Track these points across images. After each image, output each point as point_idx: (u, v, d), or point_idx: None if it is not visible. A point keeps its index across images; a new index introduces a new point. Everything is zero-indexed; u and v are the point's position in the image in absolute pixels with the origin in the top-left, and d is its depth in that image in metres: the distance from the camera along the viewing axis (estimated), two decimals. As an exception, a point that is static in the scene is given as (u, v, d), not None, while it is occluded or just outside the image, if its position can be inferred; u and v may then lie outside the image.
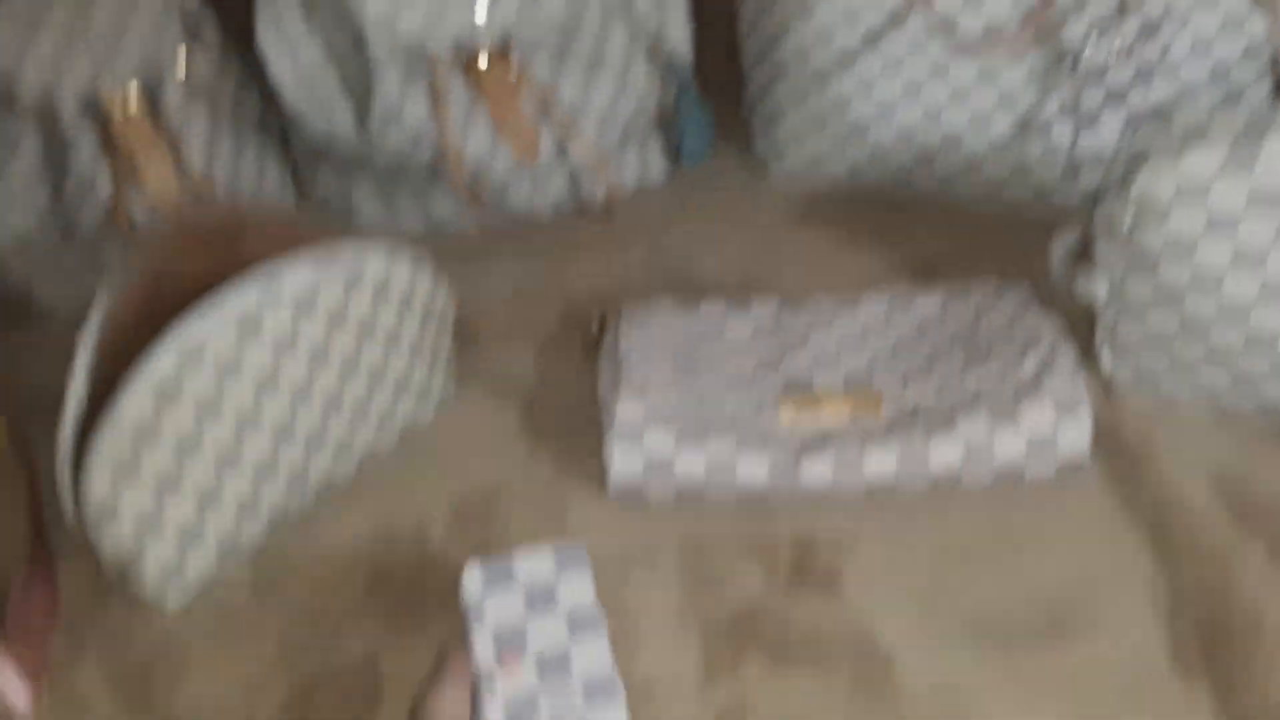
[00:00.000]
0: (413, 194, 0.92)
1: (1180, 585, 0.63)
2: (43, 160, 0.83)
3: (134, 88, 0.82)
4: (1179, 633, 0.61)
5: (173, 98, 0.84)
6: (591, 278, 0.89)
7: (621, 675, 0.54)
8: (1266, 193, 0.63)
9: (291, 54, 0.88)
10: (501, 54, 0.86)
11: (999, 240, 0.88)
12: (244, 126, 0.91)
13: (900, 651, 0.61)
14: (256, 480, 0.67)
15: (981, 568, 0.65)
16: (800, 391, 0.73)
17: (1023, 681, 0.59)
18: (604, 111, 0.90)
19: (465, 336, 0.82)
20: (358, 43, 0.86)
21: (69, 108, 0.82)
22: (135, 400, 0.60)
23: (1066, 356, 0.70)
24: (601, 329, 0.80)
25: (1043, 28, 0.85)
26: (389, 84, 0.85)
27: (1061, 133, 0.86)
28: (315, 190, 0.95)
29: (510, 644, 0.55)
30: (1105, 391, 0.75)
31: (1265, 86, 0.85)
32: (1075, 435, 0.67)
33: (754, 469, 0.68)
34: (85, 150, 0.83)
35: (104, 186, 0.83)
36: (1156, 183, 0.65)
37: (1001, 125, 0.88)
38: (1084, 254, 0.74)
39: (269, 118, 0.94)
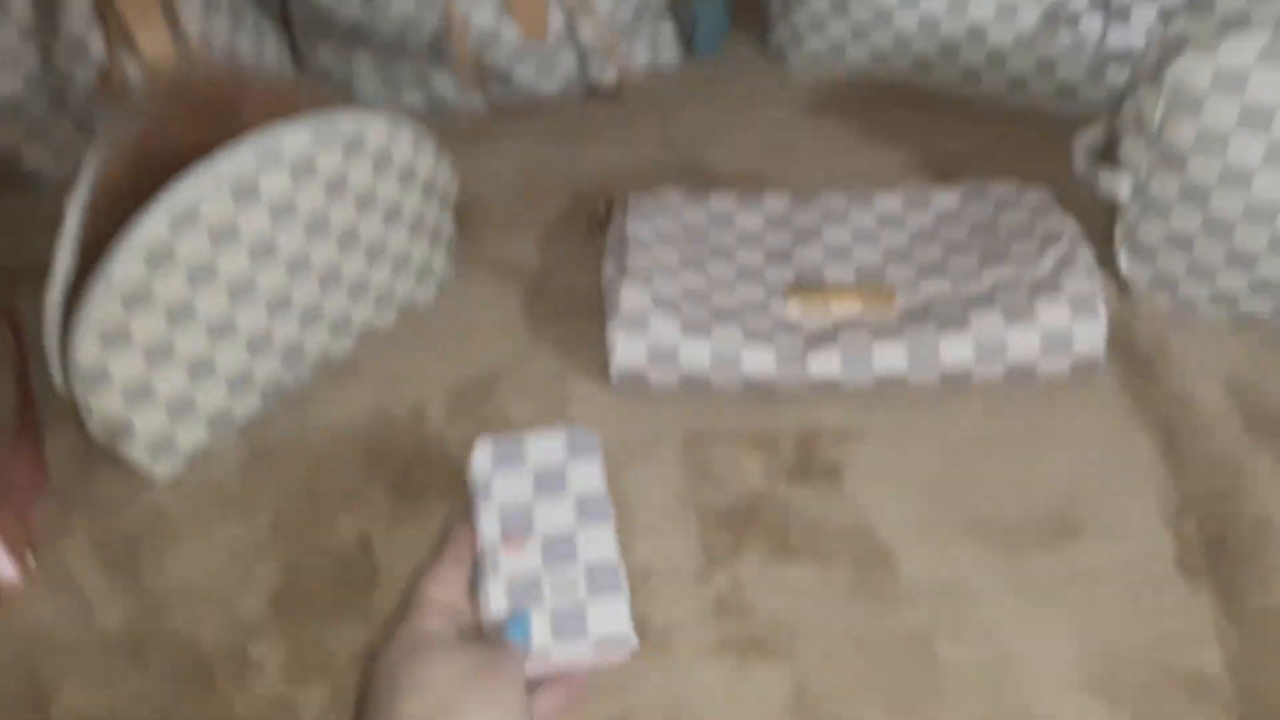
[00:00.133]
0: (414, 71, 0.89)
1: (1188, 489, 0.62)
2: (32, 20, 0.80)
3: (128, -55, 0.79)
4: (1185, 537, 0.60)
5: (169, -43, 0.81)
6: (598, 163, 0.87)
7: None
8: (1307, 85, 0.60)
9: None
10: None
11: (1020, 143, 0.86)
12: (243, -8, 0.88)
13: (902, 547, 0.61)
14: (251, 352, 0.65)
15: (989, 466, 0.64)
16: (811, 283, 0.71)
17: (1025, 581, 0.58)
18: (616, -11, 0.87)
19: (468, 219, 0.80)
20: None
21: (60, -35, 0.79)
22: (126, 264, 0.58)
23: (1085, 256, 0.69)
24: (608, 213, 0.78)
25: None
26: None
27: (1091, 26, 0.83)
28: (314, 66, 0.92)
29: (516, 524, 0.54)
30: (1122, 294, 0.74)
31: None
32: (1090, 335, 0.66)
33: (760, 359, 0.67)
34: (77, 10, 0.80)
35: (96, 49, 0.80)
36: (1192, 71, 0.63)
37: (1029, 16, 0.85)
38: (1107, 154, 0.72)
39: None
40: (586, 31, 0.86)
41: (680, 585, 0.59)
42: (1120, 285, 0.74)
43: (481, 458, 0.56)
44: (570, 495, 0.55)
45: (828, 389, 0.67)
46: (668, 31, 0.95)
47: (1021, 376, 0.67)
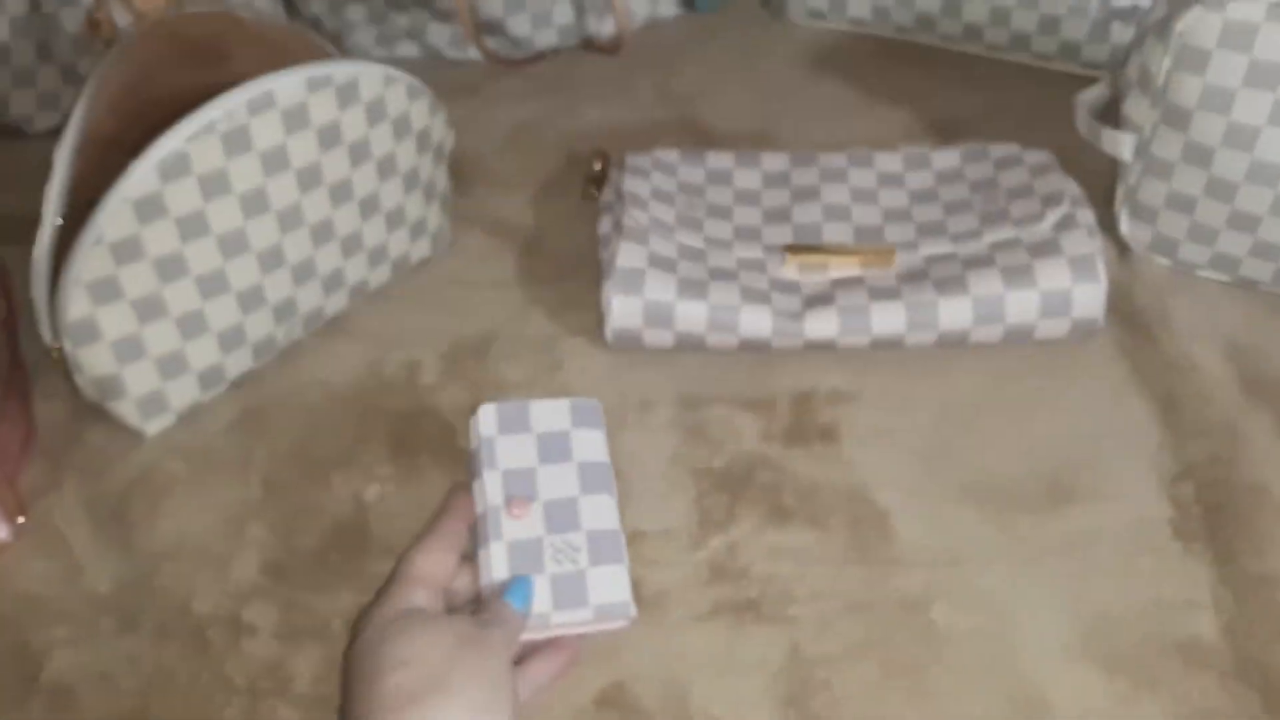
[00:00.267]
0: (409, 23, 0.88)
1: (1185, 454, 0.62)
2: (18, -35, 0.79)
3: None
4: (1182, 502, 0.60)
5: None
6: (595, 119, 0.86)
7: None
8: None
9: None
10: None
11: (1021, 104, 0.84)
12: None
13: (898, 510, 0.60)
14: (243, 307, 0.64)
15: (986, 429, 0.64)
16: (809, 243, 0.70)
17: (1021, 545, 0.58)
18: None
19: (462, 175, 0.78)
20: None
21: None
22: (115, 215, 0.57)
23: (1086, 217, 0.68)
24: (604, 170, 0.76)
25: None
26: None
27: (1095, -17, 0.82)
28: (306, 16, 0.91)
29: (519, 489, 0.54)
30: (1122, 256, 0.73)
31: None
32: (1090, 296, 0.65)
33: (757, 320, 0.66)
34: (63, -46, 0.78)
35: (85, -9, 0.78)
36: (1200, 26, 0.62)
37: (1033, -29, 0.83)
38: (1109, 114, 0.71)
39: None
40: (583, -17, 0.85)
41: (674, 549, 0.59)
42: (1120, 247, 0.73)
43: (486, 422, 0.56)
44: (574, 463, 0.55)
45: (824, 350, 0.67)
46: (666, -16, 0.94)
47: (1020, 338, 0.67)
